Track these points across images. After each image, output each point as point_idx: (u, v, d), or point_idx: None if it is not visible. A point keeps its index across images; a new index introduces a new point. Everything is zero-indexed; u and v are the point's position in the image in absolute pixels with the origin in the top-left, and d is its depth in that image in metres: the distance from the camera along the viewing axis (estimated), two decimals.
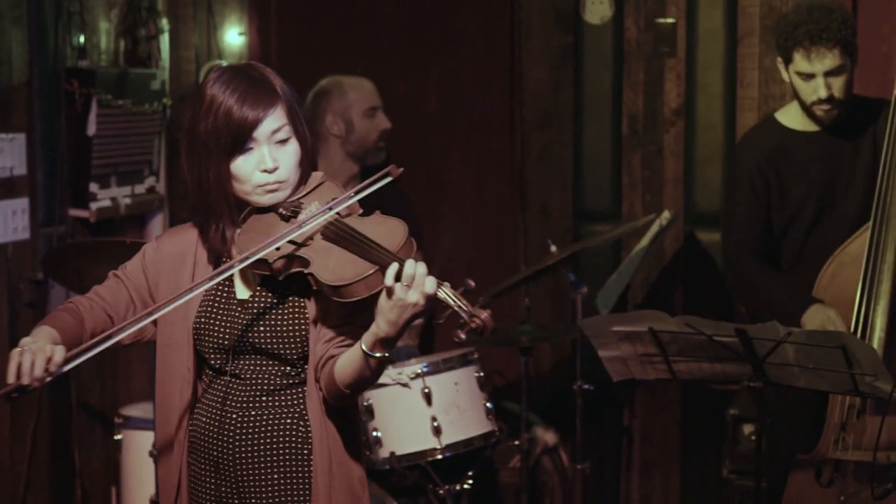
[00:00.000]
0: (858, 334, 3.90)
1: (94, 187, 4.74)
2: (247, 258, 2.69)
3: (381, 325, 2.60)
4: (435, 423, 4.28)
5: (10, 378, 2.62)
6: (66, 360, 2.65)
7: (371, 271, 2.61)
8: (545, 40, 5.29)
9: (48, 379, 2.63)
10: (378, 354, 2.63)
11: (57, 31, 4.59)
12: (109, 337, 2.73)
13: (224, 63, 5.30)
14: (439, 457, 4.29)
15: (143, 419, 4.38)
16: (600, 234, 5.14)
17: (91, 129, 4.68)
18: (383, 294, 2.58)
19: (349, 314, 2.74)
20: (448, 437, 4.29)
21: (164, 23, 5.18)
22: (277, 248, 2.69)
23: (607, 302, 4.81)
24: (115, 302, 2.85)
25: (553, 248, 4.58)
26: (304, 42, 5.52)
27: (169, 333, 2.84)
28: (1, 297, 4.34)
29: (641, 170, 5.22)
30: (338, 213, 2.73)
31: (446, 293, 2.59)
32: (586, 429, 4.72)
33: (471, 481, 4.41)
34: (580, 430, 4.67)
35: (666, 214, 4.93)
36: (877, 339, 3.91)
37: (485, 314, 2.57)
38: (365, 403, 4.28)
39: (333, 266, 2.65)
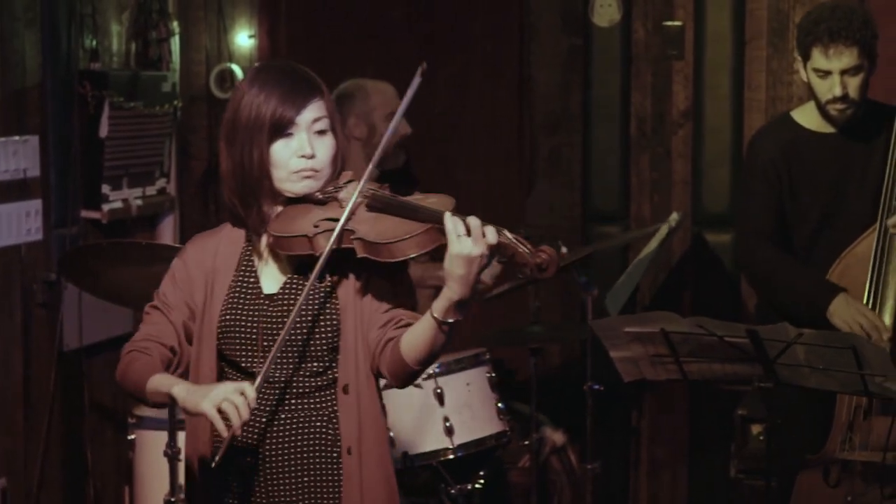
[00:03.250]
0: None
1: (105, 189, 4.77)
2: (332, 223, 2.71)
3: (452, 287, 2.62)
4: (447, 424, 4.30)
5: (224, 432, 2.63)
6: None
7: (422, 229, 2.63)
8: (554, 43, 5.32)
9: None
10: (451, 320, 2.64)
11: (69, 33, 4.61)
12: None
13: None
14: (451, 457, 4.31)
15: (157, 419, 4.38)
16: (609, 235, 5.17)
17: (103, 131, 4.70)
18: (448, 257, 2.60)
19: (395, 296, 2.77)
20: (460, 437, 4.30)
21: (175, 25, 5.20)
22: (316, 226, 2.72)
23: (617, 303, 4.83)
24: (164, 334, 2.87)
25: (564, 250, 4.60)
26: (313, 44, 5.54)
27: (199, 332, 2.86)
28: (15, 298, 4.37)
29: (650, 171, 5.25)
30: (379, 188, 2.78)
31: (506, 236, 2.61)
32: (595, 429, 4.74)
33: (482, 481, 4.43)
34: (590, 431, 4.69)
35: (674, 216, 4.95)
36: (885, 339, 3.93)
37: (550, 249, 2.59)
38: None
39: (382, 229, 2.67)
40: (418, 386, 4.30)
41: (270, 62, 2.93)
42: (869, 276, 3.99)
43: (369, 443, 2.81)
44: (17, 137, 4.33)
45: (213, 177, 5.44)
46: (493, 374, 4.46)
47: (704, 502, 5.27)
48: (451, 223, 2.60)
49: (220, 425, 2.62)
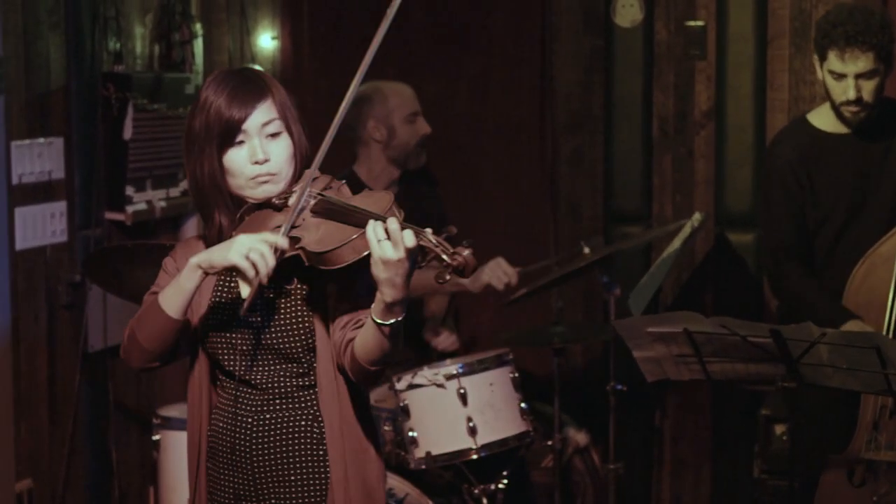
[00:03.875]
0: (891, 335, 3.92)
1: (129, 190, 4.78)
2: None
3: (383, 291, 2.61)
4: (470, 424, 4.30)
5: (253, 281, 2.68)
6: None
7: (356, 234, 2.63)
8: (576, 43, 5.32)
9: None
10: (391, 321, 2.63)
11: (93, 36, 4.63)
12: None
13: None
14: (475, 457, 4.31)
15: (181, 419, 4.39)
16: (632, 236, 5.17)
17: (127, 133, 4.71)
18: (373, 261, 2.59)
19: (356, 296, 2.76)
20: (483, 438, 4.31)
21: (198, 27, 5.22)
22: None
23: (639, 303, 4.83)
24: None
25: (586, 250, 4.61)
26: (335, 45, 5.56)
27: (192, 336, 2.89)
28: (39, 299, 4.39)
29: (672, 172, 5.25)
30: (324, 191, 2.78)
31: (427, 239, 2.59)
32: (617, 429, 4.74)
33: (505, 481, 4.44)
34: (613, 431, 4.70)
35: (697, 216, 4.94)
36: None
37: (466, 252, 2.57)
38: (401, 404, 4.31)
39: (321, 236, 2.68)
40: (442, 386, 4.31)
41: (223, 69, 2.91)
42: (894, 276, 3.99)
43: (352, 440, 2.83)
44: (41, 140, 4.36)
45: None
46: (517, 375, 4.47)
47: (728, 503, 5.26)
48: (371, 228, 2.59)
49: (250, 273, 2.66)
